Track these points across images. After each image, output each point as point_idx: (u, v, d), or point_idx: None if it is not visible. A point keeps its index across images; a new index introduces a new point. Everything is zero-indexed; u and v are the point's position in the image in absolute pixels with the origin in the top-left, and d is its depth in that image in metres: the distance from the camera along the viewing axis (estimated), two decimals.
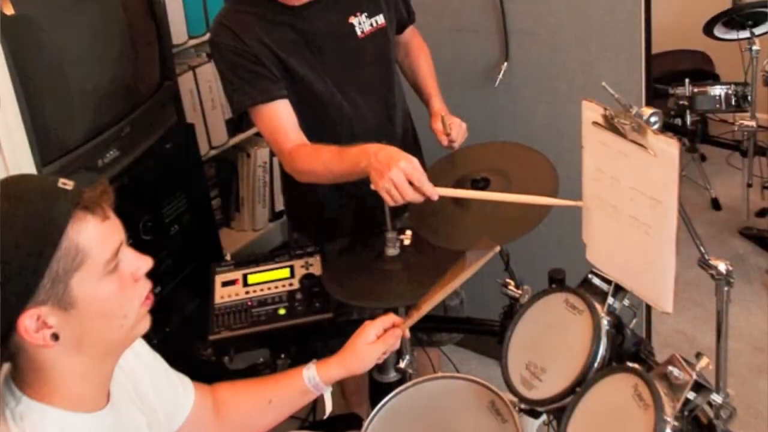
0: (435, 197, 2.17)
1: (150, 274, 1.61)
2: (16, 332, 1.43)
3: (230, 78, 2.54)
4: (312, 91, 2.58)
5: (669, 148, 1.73)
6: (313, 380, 2.05)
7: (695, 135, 4.65)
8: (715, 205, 4.93)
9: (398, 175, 2.13)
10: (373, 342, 2.08)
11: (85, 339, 1.51)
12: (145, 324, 1.62)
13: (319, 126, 2.60)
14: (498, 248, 2.13)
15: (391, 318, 2.13)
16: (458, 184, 2.40)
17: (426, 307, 2.11)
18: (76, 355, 1.52)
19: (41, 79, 2.52)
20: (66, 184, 1.47)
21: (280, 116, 2.53)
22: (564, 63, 3.05)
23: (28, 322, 1.42)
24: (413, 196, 2.15)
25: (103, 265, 1.48)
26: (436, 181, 2.19)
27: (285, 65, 2.54)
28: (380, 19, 2.67)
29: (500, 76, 3.10)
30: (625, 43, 2.92)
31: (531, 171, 2.38)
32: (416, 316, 2.12)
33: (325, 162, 2.40)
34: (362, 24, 2.63)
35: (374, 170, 2.19)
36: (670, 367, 1.84)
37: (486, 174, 2.39)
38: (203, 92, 3.64)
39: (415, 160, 2.16)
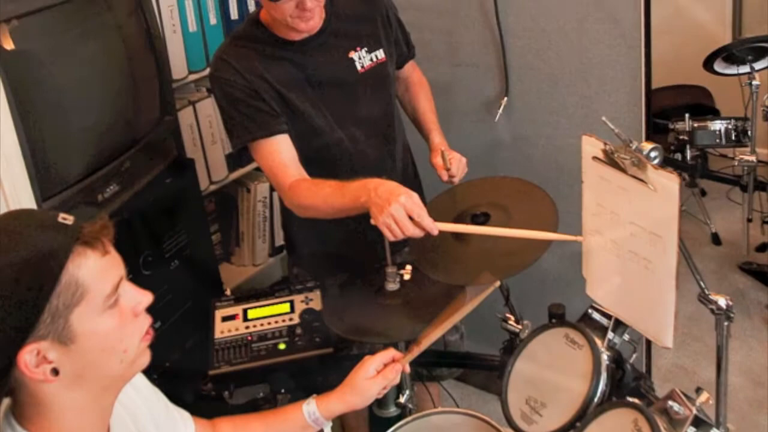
0: (435, 232, 2.18)
1: (150, 309, 1.61)
2: (16, 367, 1.42)
3: (230, 113, 2.57)
4: (312, 125, 2.59)
5: (669, 182, 1.74)
6: (313, 415, 2.06)
7: (695, 170, 4.67)
8: (716, 239, 4.93)
9: (398, 210, 2.14)
10: (373, 377, 2.09)
11: (85, 374, 1.51)
12: (145, 359, 1.62)
13: (318, 160, 2.63)
14: (498, 283, 2.14)
15: (390, 353, 2.13)
16: (458, 219, 2.41)
17: (426, 342, 2.12)
18: (76, 390, 1.52)
19: (41, 113, 2.52)
20: (66, 218, 1.48)
21: (280, 151, 2.55)
22: (564, 97, 3.07)
23: (28, 357, 1.42)
24: (413, 231, 2.16)
25: (103, 300, 1.48)
26: (436, 215, 2.20)
27: (285, 100, 2.56)
28: (380, 53, 2.70)
29: (500, 110, 3.12)
30: (625, 78, 2.94)
31: (531, 206, 2.39)
32: (416, 350, 2.13)
33: (325, 197, 2.41)
34: (362, 59, 2.66)
35: (374, 205, 2.20)
36: (670, 402, 1.85)
37: (486, 209, 2.40)
38: (203, 127, 3.65)
39: (415, 195, 2.17)
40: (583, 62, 3.00)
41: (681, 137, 4.52)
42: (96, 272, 1.47)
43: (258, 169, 3.76)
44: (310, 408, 2.06)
